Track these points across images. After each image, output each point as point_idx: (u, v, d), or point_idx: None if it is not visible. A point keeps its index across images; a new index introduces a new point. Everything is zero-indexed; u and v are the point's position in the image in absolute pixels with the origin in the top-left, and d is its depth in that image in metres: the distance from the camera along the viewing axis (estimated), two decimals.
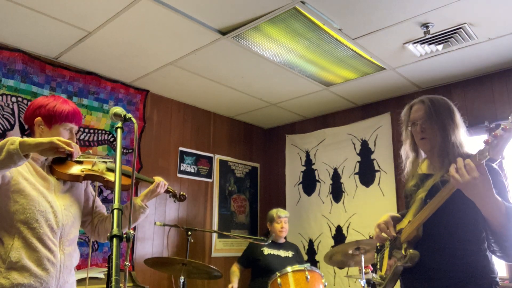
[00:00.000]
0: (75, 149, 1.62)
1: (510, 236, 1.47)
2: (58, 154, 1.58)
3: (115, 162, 1.50)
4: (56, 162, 1.82)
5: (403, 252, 1.70)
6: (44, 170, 1.79)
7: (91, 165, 1.89)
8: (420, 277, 1.68)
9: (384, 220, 1.84)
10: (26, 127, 3.17)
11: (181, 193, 2.33)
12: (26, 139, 1.51)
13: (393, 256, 1.78)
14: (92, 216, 2.00)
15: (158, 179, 2.09)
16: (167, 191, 2.19)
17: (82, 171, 1.84)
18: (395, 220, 1.87)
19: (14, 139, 1.50)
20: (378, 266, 1.91)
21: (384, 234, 1.82)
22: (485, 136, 3.54)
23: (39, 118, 1.78)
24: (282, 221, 3.78)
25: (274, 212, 3.82)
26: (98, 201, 2.05)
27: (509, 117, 1.36)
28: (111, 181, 1.88)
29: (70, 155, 1.59)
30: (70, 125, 1.82)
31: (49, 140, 1.54)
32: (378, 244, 1.96)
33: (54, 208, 1.74)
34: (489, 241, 1.56)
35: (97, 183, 1.99)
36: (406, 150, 1.92)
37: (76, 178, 1.84)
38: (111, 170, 1.91)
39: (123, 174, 1.95)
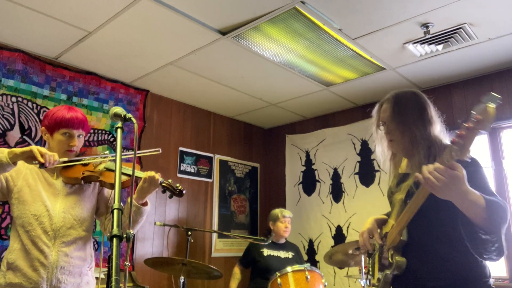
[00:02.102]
0: (48, 159, 1.71)
1: (492, 230, 1.35)
2: (36, 162, 1.71)
3: (115, 161, 1.50)
4: (65, 167, 1.92)
5: (389, 259, 1.61)
6: (53, 175, 1.93)
7: (93, 167, 1.94)
8: (409, 284, 1.59)
9: (368, 228, 1.75)
10: (26, 126, 3.17)
11: (177, 186, 1.97)
12: (14, 149, 1.72)
13: (382, 262, 1.69)
14: (105, 217, 2.05)
15: (147, 173, 1.90)
16: (162, 187, 1.95)
17: (82, 173, 1.90)
18: (381, 223, 1.78)
19: (2, 150, 1.71)
20: (370, 272, 1.83)
21: (367, 245, 1.73)
22: (485, 136, 3.57)
23: (43, 128, 1.95)
24: (287, 221, 3.77)
25: (279, 211, 3.81)
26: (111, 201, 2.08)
27: (471, 114, 1.27)
28: (105, 182, 1.93)
29: (42, 164, 1.70)
30: (67, 130, 1.90)
31: (29, 148, 1.70)
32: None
33: (50, 211, 1.84)
34: (469, 240, 1.42)
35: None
36: (383, 149, 1.83)
37: (75, 180, 1.92)
38: (110, 169, 1.92)
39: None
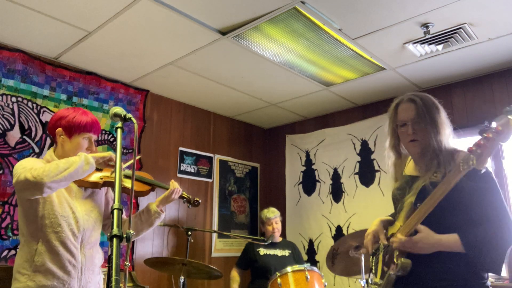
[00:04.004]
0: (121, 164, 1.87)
1: (485, 255, 1.47)
2: (111, 166, 1.90)
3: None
4: None
5: (395, 260, 1.63)
6: None
7: (110, 172, 2.00)
8: (413, 285, 1.62)
9: (374, 230, 1.79)
10: (26, 126, 3.17)
11: (195, 198, 2.37)
12: (94, 154, 1.85)
13: (387, 262, 1.72)
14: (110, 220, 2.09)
15: (173, 185, 2.17)
16: (181, 197, 2.25)
17: (101, 178, 1.96)
18: (387, 224, 1.81)
19: (85, 154, 1.80)
20: (373, 271, 1.86)
21: (369, 247, 1.77)
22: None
23: (60, 129, 1.93)
24: (273, 222, 3.77)
25: (264, 214, 3.82)
26: None
27: (492, 124, 1.29)
28: (128, 188, 2.00)
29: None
30: (88, 134, 1.96)
31: (108, 154, 1.85)
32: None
33: (76, 213, 1.87)
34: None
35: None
36: (391, 150, 1.83)
37: (95, 185, 1.97)
38: (128, 177, 2.03)
39: (141, 181, 2.10)
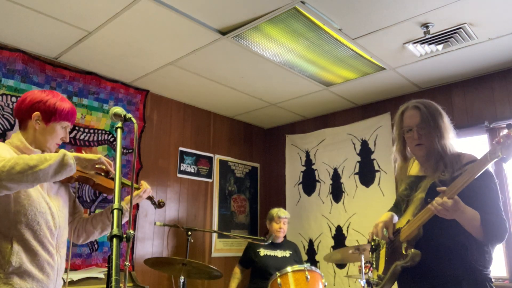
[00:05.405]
0: (112, 169, 1.77)
1: (486, 245, 1.63)
2: (99, 170, 1.74)
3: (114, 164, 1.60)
4: None
5: (403, 251, 1.71)
6: None
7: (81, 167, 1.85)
8: (417, 276, 1.71)
9: (385, 221, 1.87)
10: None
11: (160, 200, 2.29)
12: (78, 154, 1.66)
13: (392, 255, 1.79)
14: (73, 217, 1.97)
15: (145, 185, 2.03)
16: (148, 197, 2.11)
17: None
18: (394, 222, 1.90)
19: (65, 152, 1.57)
20: (374, 265, 1.94)
21: (380, 234, 1.85)
22: (485, 136, 3.57)
23: (37, 113, 1.73)
24: (282, 221, 3.76)
25: (275, 211, 3.81)
26: (77, 202, 2.04)
27: None
28: (101, 185, 1.89)
29: (107, 174, 1.80)
30: (67, 123, 1.81)
31: (97, 157, 1.69)
32: (372, 243, 2.00)
33: (52, 209, 1.72)
34: (472, 252, 1.66)
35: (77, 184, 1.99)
36: (394, 154, 1.97)
37: (68, 179, 1.81)
38: (99, 173, 1.89)
39: (112, 178, 1.92)
